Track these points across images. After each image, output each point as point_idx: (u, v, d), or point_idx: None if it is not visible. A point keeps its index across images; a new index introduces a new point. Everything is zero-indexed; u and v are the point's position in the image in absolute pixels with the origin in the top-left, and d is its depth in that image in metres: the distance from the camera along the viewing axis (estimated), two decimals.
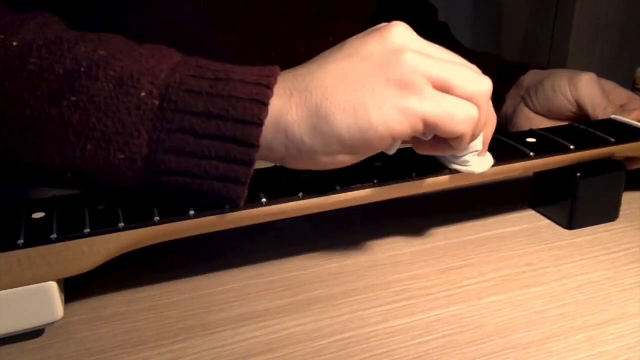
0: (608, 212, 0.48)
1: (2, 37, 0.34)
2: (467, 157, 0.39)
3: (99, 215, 0.35)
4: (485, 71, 0.70)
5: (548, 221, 0.48)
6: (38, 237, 0.33)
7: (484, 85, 0.36)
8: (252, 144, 0.33)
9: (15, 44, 0.34)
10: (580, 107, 0.56)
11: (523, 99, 0.61)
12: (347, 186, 0.38)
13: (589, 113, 0.54)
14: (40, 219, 0.35)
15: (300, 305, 0.38)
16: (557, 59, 1.39)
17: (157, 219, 0.35)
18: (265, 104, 0.33)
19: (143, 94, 0.33)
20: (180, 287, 0.40)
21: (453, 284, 0.40)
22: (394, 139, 0.34)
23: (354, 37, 0.36)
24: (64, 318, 0.35)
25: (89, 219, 0.34)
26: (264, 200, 0.37)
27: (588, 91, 0.55)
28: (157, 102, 0.33)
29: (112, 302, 0.39)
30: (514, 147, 0.44)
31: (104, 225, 0.34)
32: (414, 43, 0.35)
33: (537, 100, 0.58)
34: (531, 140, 0.46)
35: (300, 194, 0.37)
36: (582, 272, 0.42)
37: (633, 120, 0.50)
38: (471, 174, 0.40)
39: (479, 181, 0.43)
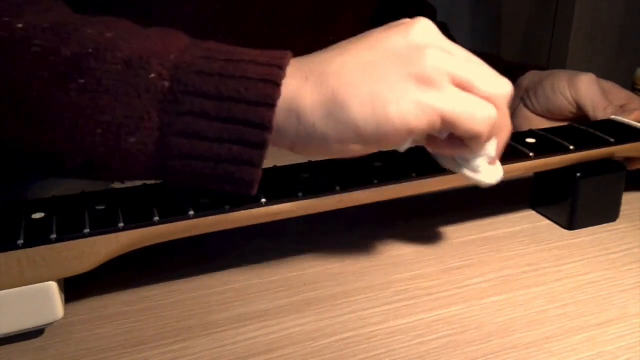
0: (608, 213, 0.48)
1: (6, 19, 0.33)
2: (478, 163, 0.38)
3: (99, 216, 0.35)
4: None
5: (548, 221, 0.48)
6: (38, 237, 0.33)
7: (504, 88, 0.35)
8: (265, 126, 0.32)
9: (20, 25, 0.33)
10: (580, 108, 0.56)
11: (522, 99, 0.61)
12: (347, 186, 0.38)
13: (588, 113, 0.54)
14: (40, 219, 0.35)
15: (301, 305, 0.38)
16: (557, 59, 1.39)
17: (157, 219, 0.35)
18: (277, 84, 0.32)
19: (152, 75, 0.32)
20: (180, 287, 0.40)
21: (454, 284, 0.40)
22: (410, 134, 0.33)
23: (376, 30, 0.35)
24: (64, 318, 0.34)
25: (88, 219, 0.34)
26: (263, 200, 0.37)
27: (588, 92, 0.55)
28: (167, 84, 0.32)
29: (112, 302, 0.39)
30: (514, 147, 0.44)
31: (104, 225, 0.34)
32: (438, 40, 0.35)
33: (537, 100, 0.59)
34: (531, 140, 0.46)
35: (300, 194, 0.37)
36: (583, 272, 0.42)
37: (633, 120, 0.50)
38: (480, 184, 0.39)
39: None
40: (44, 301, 0.33)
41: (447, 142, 0.36)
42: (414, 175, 0.40)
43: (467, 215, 0.49)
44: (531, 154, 0.43)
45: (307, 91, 0.33)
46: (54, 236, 0.33)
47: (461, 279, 0.41)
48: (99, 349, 0.35)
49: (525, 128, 0.53)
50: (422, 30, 0.35)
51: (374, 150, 0.35)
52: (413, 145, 0.36)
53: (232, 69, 0.33)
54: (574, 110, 0.56)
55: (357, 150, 0.34)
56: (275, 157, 0.43)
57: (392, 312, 0.38)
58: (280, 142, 0.34)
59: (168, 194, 0.37)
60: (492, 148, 0.37)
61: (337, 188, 0.38)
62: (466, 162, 0.38)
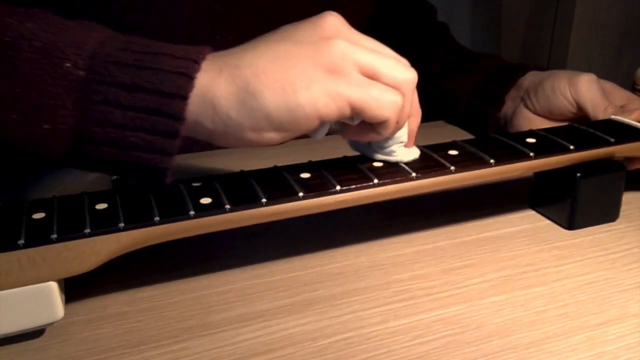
0: (608, 212, 0.48)
1: None
2: (393, 148, 0.41)
3: (99, 215, 0.35)
4: (485, 71, 0.70)
5: (548, 221, 0.48)
6: (38, 237, 0.33)
7: (409, 74, 0.37)
8: (177, 117, 0.33)
9: None
10: (580, 108, 0.56)
11: (523, 99, 0.61)
12: (347, 186, 0.38)
13: (588, 114, 0.54)
14: (41, 219, 0.35)
15: (301, 305, 0.38)
16: (557, 59, 1.39)
17: (157, 219, 0.35)
18: (191, 77, 0.34)
19: (68, 64, 0.33)
20: (180, 287, 0.40)
21: (453, 284, 0.40)
22: (321, 120, 0.35)
23: (288, 24, 0.38)
24: (64, 318, 0.34)
25: (89, 219, 0.34)
26: (264, 200, 0.37)
27: (588, 92, 0.55)
28: (82, 73, 0.33)
29: (112, 302, 0.39)
30: (514, 147, 0.44)
31: (104, 225, 0.34)
32: (345, 32, 0.37)
33: (537, 101, 0.59)
34: (531, 140, 0.46)
35: (300, 194, 0.37)
36: (582, 272, 0.42)
37: (633, 120, 0.50)
38: (399, 162, 0.41)
39: (479, 182, 0.43)
40: (44, 301, 0.33)
41: (358, 129, 0.38)
42: (413, 175, 0.40)
43: (467, 215, 0.49)
44: (531, 154, 0.43)
45: (220, 82, 0.34)
46: (54, 236, 0.33)
47: (461, 279, 0.41)
48: (99, 349, 0.35)
49: (526, 128, 0.53)
50: (330, 23, 0.37)
51: (289, 137, 0.36)
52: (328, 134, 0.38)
53: (148, 60, 0.34)
54: (574, 110, 0.56)
55: (272, 138, 0.35)
56: (275, 157, 0.43)
57: (392, 312, 0.38)
58: (198, 132, 0.35)
59: (168, 194, 0.37)
60: (404, 133, 0.40)
61: (337, 188, 0.38)
62: (381, 149, 0.41)
